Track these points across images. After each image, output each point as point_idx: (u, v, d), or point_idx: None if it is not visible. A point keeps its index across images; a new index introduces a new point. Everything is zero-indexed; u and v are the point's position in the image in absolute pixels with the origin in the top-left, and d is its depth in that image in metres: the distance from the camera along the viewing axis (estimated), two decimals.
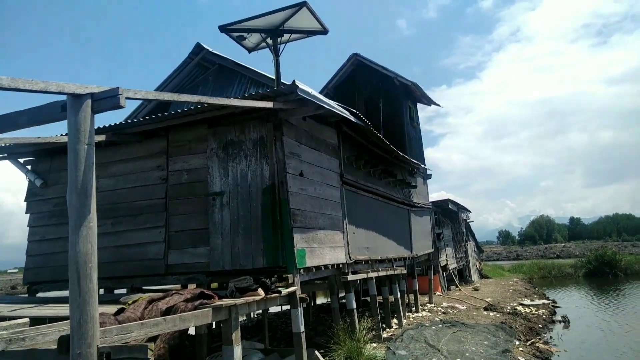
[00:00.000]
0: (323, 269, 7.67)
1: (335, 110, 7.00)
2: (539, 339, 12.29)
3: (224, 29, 8.08)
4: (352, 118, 7.94)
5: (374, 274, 9.81)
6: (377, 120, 13.97)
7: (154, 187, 7.59)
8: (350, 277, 8.72)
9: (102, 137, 7.31)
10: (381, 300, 11.69)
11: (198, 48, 11.42)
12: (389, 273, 10.93)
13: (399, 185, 13.03)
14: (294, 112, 6.85)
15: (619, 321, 15.57)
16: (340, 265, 8.42)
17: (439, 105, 16.96)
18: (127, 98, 3.76)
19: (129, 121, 7.75)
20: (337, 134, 8.99)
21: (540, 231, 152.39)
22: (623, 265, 31.21)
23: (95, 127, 8.09)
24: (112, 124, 7.41)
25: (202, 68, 11.83)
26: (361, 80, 15.14)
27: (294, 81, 5.91)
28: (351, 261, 8.83)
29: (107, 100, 3.63)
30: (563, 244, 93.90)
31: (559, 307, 18.38)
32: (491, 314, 14.22)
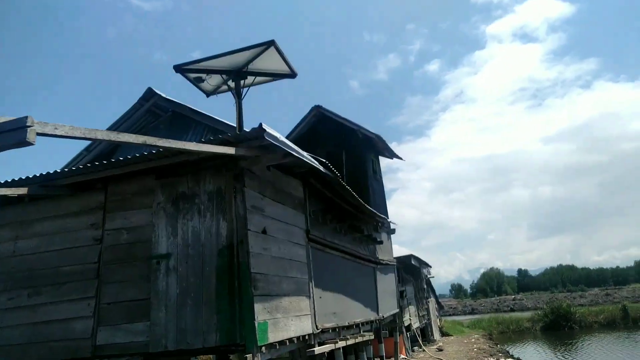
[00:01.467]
0: (288, 343, 6.54)
1: (304, 159, 6.20)
2: None
3: (179, 69, 7.24)
4: (321, 168, 7.17)
5: (342, 344, 8.69)
6: (341, 174, 13.32)
7: (86, 250, 6.31)
8: (317, 350, 7.58)
9: (23, 190, 6.08)
10: None
11: (149, 93, 10.46)
12: (357, 340, 9.83)
13: (365, 242, 12.21)
14: (258, 161, 5.98)
15: None
16: (306, 337, 7.30)
17: (400, 158, 16.69)
18: (39, 134, 2.76)
19: (60, 171, 6.56)
20: (303, 186, 8.15)
21: (491, 283, 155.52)
22: (578, 317, 31.45)
23: (17, 178, 6.89)
24: (39, 174, 6.23)
25: (154, 115, 10.84)
26: (324, 132, 14.61)
27: (260, 124, 5.09)
28: (318, 330, 7.73)
29: (8, 134, 2.62)
30: (513, 296, 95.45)
31: None
32: None
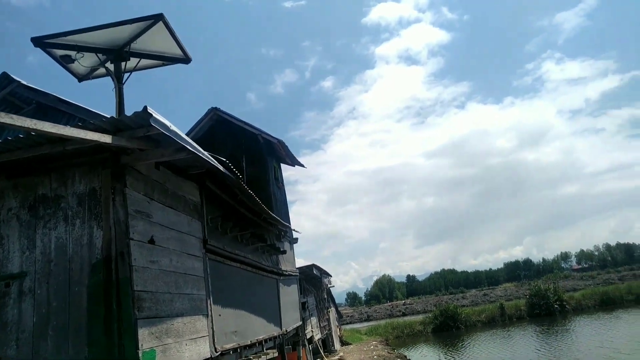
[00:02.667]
0: None
1: (202, 155, 5.33)
2: None
3: (40, 42, 5.83)
4: (221, 168, 6.32)
5: None
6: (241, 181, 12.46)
7: None
8: None
9: None
10: None
11: (4, 79, 8.58)
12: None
13: (267, 252, 11.46)
14: (144, 156, 4.97)
15: None
16: None
17: (302, 165, 16.29)
18: None
19: None
20: (199, 189, 7.20)
21: (384, 290, 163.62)
22: (463, 317, 33.78)
23: None
24: None
25: (12, 106, 8.98)
26: (222, 136, 13.62)
27: (145, 107, 4.14)
28: (217, 354, 6.79)
29: None
30: (404, 301, 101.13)
31: None
32: None
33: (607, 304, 33.96)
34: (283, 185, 15.42)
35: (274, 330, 11.08)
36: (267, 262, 11.27)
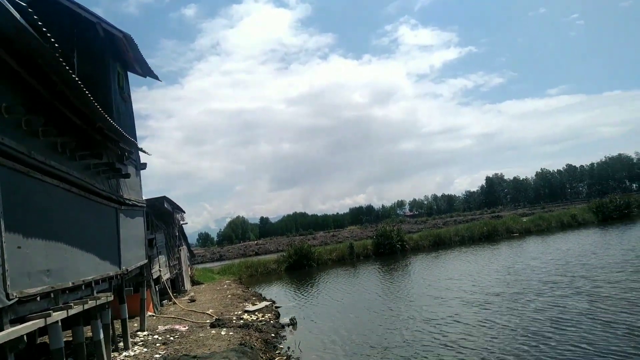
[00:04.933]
0: None
1: None
2: (278, 353, 10.65)
3: None
4: (17, 16, 3.95)
5: (59, 315, 5.74)
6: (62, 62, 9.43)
7: None
8: (11, 332, 4.56)
9: None
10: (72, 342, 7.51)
11: None
12: (86, 307, 6.93)
13: (104, 174, 9.00)
14: None
15: (330, 312, 15.96)
16: None
17: (157, 77, 13.47)
18: None
19: None
20: None
21: (237, 231, 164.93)
22: (316, 256, 34.81)
23: None
24: None
25: None
26: (45, 17, 10.11)
27: None
28: (12, 300, 4.65)
29: None
30: (256, 242, 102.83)
31: (279, 306, 17.79)
32: (222, 332, 11.79)
33: (439, 245, 38.47)
34: (130, 98, 12.56)
35: (109, 269, 8.95)
36: (102, 186, 8.87)
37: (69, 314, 5.95)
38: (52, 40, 5.04)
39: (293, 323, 14.05)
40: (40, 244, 5.60)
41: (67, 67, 5.40)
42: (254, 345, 10.28)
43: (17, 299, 4.73)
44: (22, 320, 5.10)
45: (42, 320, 5.15)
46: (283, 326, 13.78)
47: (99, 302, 7.44)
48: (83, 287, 7.09)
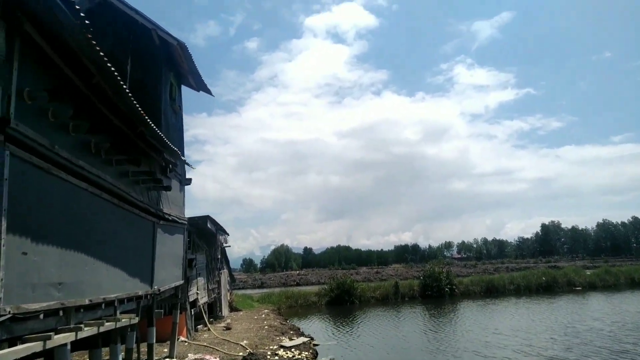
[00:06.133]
0: None
1: None
2: None
3: None
4: None
5: (66, 337, 4.93)
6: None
7: None
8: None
9: None
10: None
11: None
12: (104, 329, 6.11)
13: (143, 183, 8.40)
14: None
15: (374, 354, 14.45)
16: None
17: (210, 92, 13.13)
18: None
19: None
20: (5, 29, 4.05)
21: (280, 259, 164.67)
22: (358, 292, 33.12)
23: None
24: None
25: None
26: (102, 23, 9.97)
27: None
28: (4, 316, 3.86)
29: None
30: (298, 272, 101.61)
31: (317, 344, 16.46)
32: None
33: (491, 291, 35.62)
34: (181, 110, 12.20)
35: (139, 288, 8.19)
36: (140, 197, 8.25)
37: (78, 337, 5.13)
38: (87, 21, 4.40)
39: None
40: (54, 252, 4.86)
41: (103, 54, 4.76)
42: None
43: (10, 315, 3.94)
44: (20, 340, 4.31)
45: (40, 343, 4.33)
46: None
47: (119, 324, 6.62)
48: (103, 305, 6.31)
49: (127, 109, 6.29)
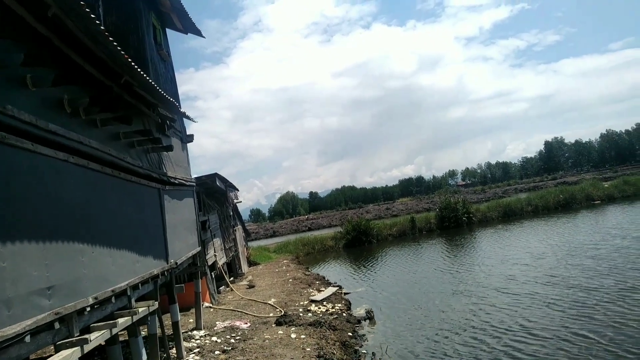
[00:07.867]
0: None
1: None
2: None
3: None
4: None
5: (71, 354, 3.81)
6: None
7: None
8: None
9: None
10: None
11: None
12: (117, 330, 5.01)
13: (139, 145, 7.03)
14: None
15: (409, 296, 13.73)
16: None
17: (200, 33, 11.38)
18: None
19: None
20: None
21: (287, 206, 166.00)
22: (375, 232, 32.56)
23: None
24: None
25: None
26: None
27: None
28: None
29: None
30: (307, 216, 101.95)
31: (348, 292, 15.77)
32: (292, 334, 9.84)
33: (509, 215, 35.02)
34: (169, 57, 10.55)
35: (153, 266, 7.07)
36: (139, 162, 6.91)
37: (84, 352, 4.00)
38: None
39: (370, 317, 11.93)
40: (34, 250, 3.62)
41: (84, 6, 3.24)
42: (334, 354, 8.23)
43: None
44: None
45: None
46: (359, 320, 11.69)
47: (136, 317, 5.53)
48: (113, 299, 5.18)
49: (105, 54, 4.81)
